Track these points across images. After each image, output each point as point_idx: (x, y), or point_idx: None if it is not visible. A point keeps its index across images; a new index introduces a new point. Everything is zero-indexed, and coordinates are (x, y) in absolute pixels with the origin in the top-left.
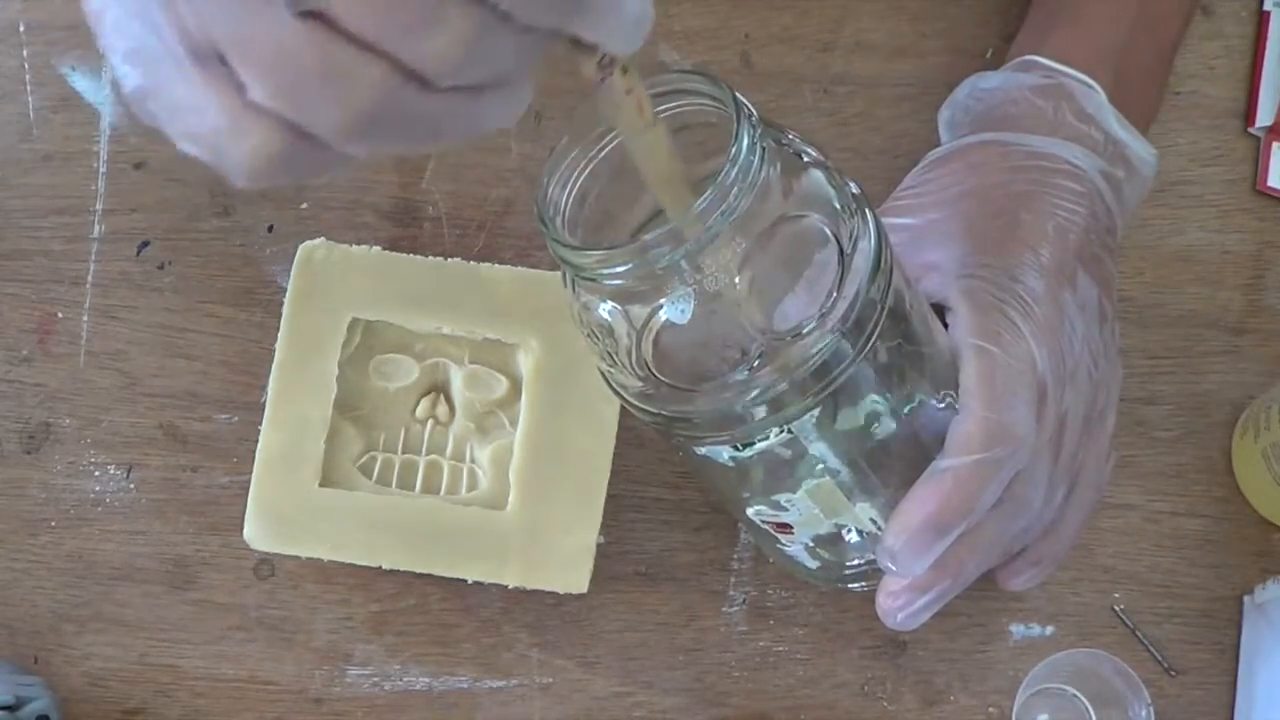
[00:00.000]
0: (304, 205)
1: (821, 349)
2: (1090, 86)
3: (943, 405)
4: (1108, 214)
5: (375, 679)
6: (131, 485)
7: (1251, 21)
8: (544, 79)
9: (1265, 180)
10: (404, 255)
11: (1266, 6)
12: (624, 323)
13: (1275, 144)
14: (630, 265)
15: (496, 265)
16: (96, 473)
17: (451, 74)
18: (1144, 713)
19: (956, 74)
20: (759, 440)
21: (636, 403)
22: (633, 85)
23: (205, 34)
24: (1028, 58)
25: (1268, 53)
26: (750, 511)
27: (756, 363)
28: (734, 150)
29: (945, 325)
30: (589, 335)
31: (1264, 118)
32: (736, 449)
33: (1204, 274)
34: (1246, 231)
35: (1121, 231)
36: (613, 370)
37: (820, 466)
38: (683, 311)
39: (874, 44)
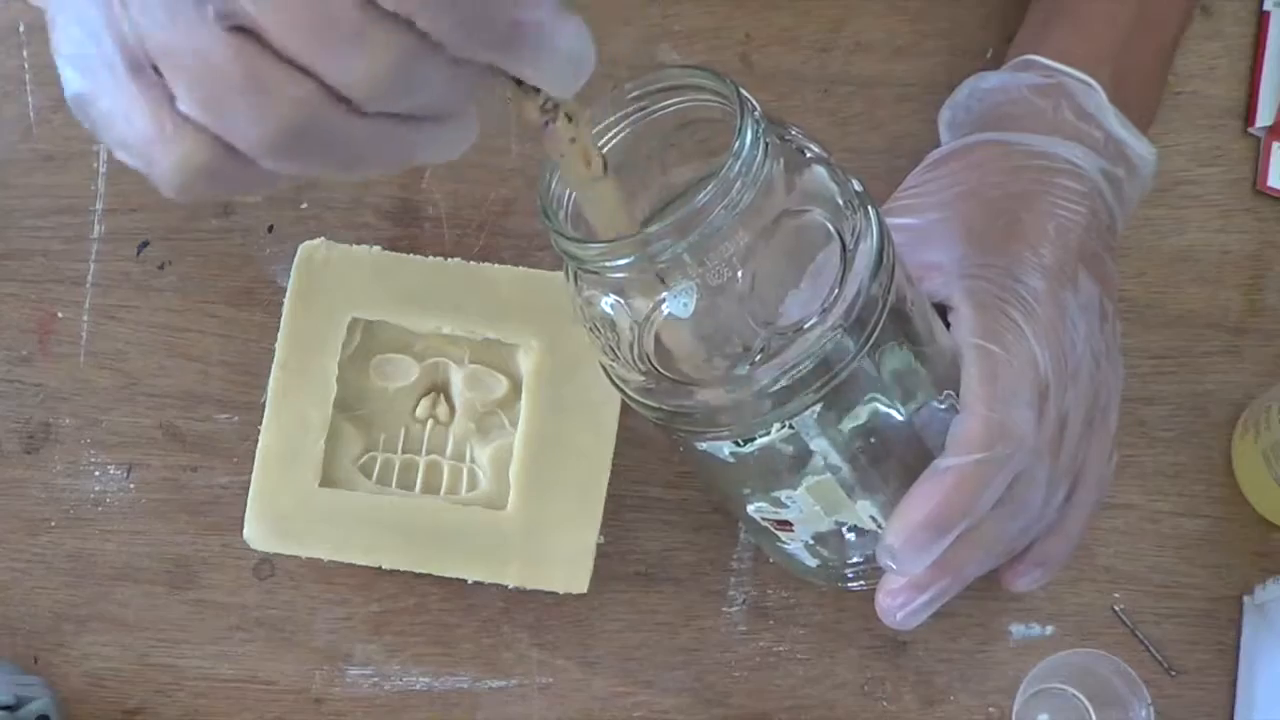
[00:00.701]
0: (304, 205)
1: (823, 345)
2: (1090, 86)
3: (944, 404)
4: (1108, 213)
5: (375, 679)
6: (131, 485)
7: (1251, 21)
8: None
9: (1265, 180)
10: (404, 255)
11: (1266, 6)
12: (626, 316)
13: (1275, 144)
14: (633, 258)
15: (496, 265)
16: (96, 473)
17: (378, 98)
18: (1144, 713)
19: (956, 74)
20: (760, 436)
21: (638, 397)
22: (578, 134)
23: (140, 42)
24: (1027, 57)
25: (1268, 53)
26: (751, 509)
27: (758, 358)
28: (738, 144)
29: (947, 325)
30: (591, 329)
31: (1264, 118)
32: (737, 444)
33: (1204, 274)
34: (1246, 231)
35: (1122, 230)
36: (614, 364)
37: (821, 463)
38: (685, 305)
39: (874, 44)
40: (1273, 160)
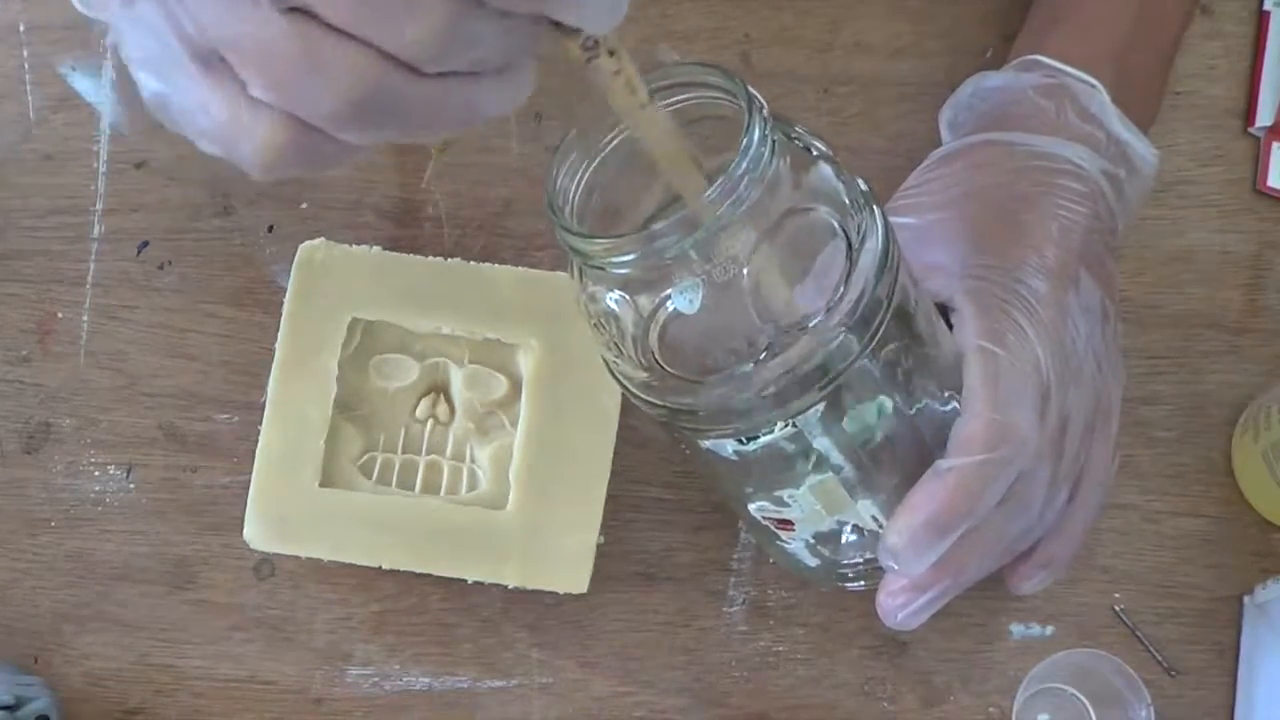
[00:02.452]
0: (304, 205)
1: (828, 343)
2: (1093, 86)
3: (946, 405)
4: (1110, 214)
5: (375, 679)
6: (131, 485)
7: (1251, 21)
8: (542, 79)
9: (1265, 180)
10: (404, 255)
11: (1266, 6)
12: (631, 312)
13: (1275, 144)
14: (638, 254)
15: (496, 265)
16: (96, 473)
17: (435, 59)
18: (1144, 713)
19: (957, 74)
20: (763, 434)
21: (641, 394)
22: (621, 65)
23: (203, 36)
24: (1030, 57)
25: (1268, 53)
26: (752, 507)
27: (763, 355)
28: (745, 141)
29: (949, 324)
30: (595, 325)
31: (1264, 118)
32: (741, 443)
33: (1204, 274)
34: (1246, 231)
35: (1123, 232)
36: (618, 361)
37: (824, 462)
38: (691, 301)
39: (874, 44)
40: (1273, 160)
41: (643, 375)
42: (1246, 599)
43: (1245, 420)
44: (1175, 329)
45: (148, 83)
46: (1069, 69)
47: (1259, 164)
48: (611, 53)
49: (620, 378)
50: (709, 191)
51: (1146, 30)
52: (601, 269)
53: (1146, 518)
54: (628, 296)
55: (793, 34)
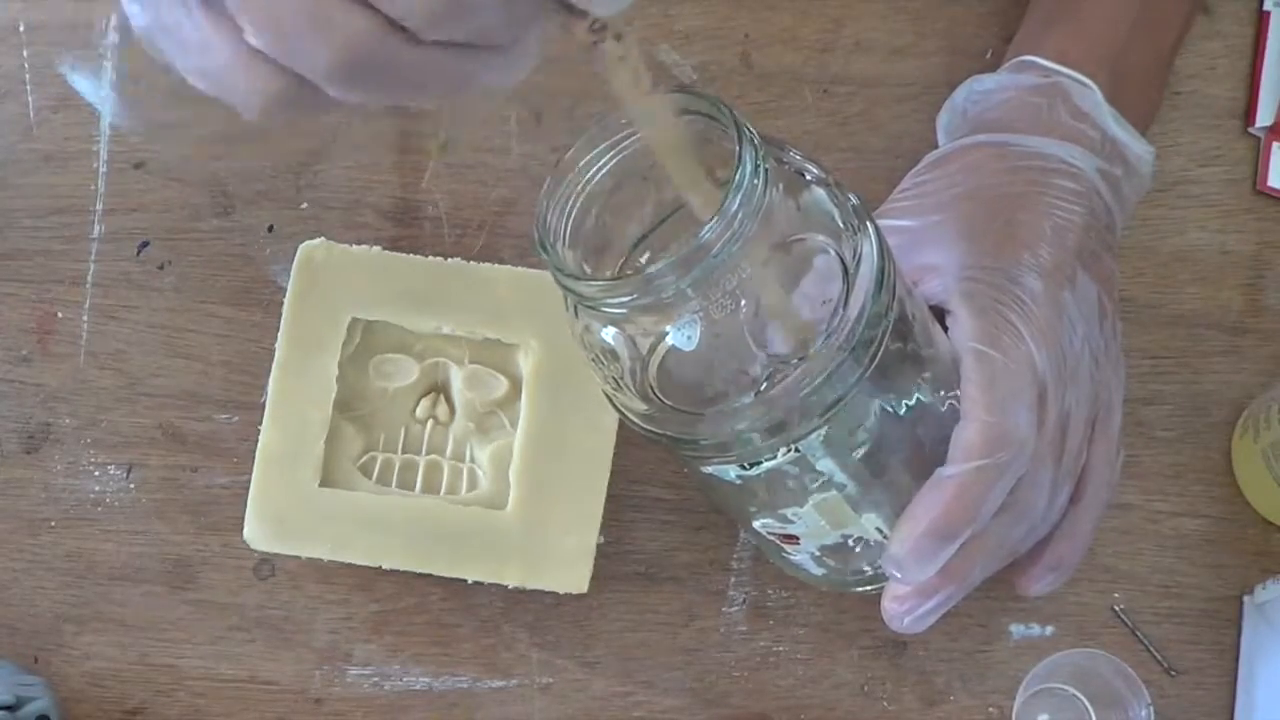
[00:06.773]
0: (304, 205)
1: (828, 369)
2: (1086, 85)
3: (945, 411)
4: (1106, 212)
5: (375, 679)
6: (131, 485)
7: (1251, 21)
8: (543, 79)
9: (1265, 180)
10: (404, 255)
11: (1266, 6)
12: (628, 347)
13: (1275, 144)
14: (634, 295)
15: (496, 265)
16: (96, 473)
17: (434, 27)
18: (1144, 713)
19: (956, 74)
20: (766, 460)
21: (642, 424)
22: (626, 52)
23: None
24: (1024, 58)
25: (1268, 53)
26: (757, 524)
27: (763, 385)
28: (738, 175)
29: (944, 327)
30: (592, 359)
31: (1264, 118)
32: (743, 468)
33: (1204, 274)
34: (1246, 231)
35: (1121, 229)
36: (617, 394)
37: (827, 481)
38: (689, 338)
39: (874, 44)
40: (1273, 160)
41: (642, 407)
42: (1246, 599)
43: (1245, 420)
44: (1175, 329)
45: (138, 15)
46: (1062, 69)
47: (1259, 164)
48: (618, 37)
49: (620, 408)
50: (705, 228)
51: (1145, 31)
52: (596, 308)
53: (1146, 518)
54: (624, 333)
55: (793, 34)
